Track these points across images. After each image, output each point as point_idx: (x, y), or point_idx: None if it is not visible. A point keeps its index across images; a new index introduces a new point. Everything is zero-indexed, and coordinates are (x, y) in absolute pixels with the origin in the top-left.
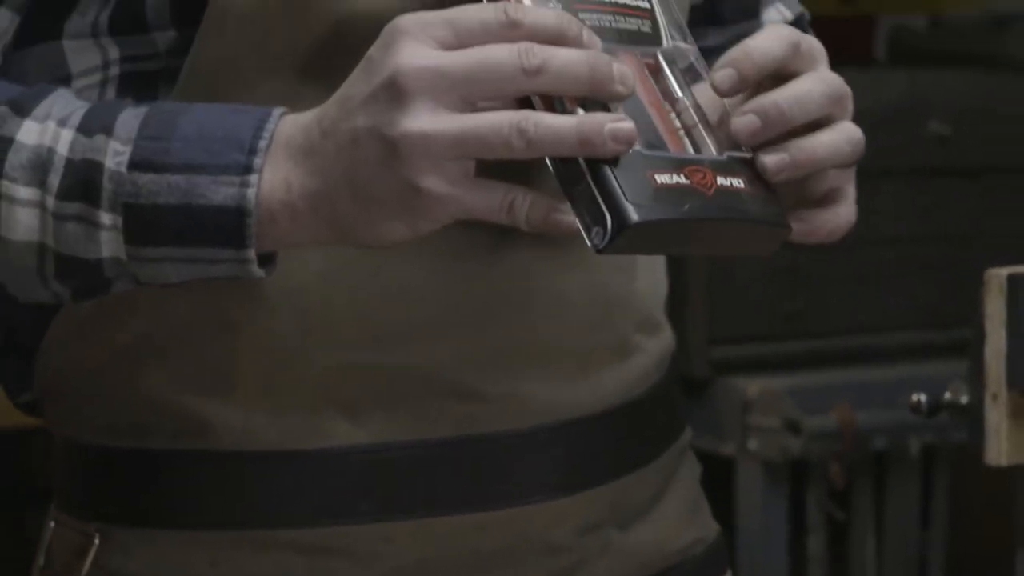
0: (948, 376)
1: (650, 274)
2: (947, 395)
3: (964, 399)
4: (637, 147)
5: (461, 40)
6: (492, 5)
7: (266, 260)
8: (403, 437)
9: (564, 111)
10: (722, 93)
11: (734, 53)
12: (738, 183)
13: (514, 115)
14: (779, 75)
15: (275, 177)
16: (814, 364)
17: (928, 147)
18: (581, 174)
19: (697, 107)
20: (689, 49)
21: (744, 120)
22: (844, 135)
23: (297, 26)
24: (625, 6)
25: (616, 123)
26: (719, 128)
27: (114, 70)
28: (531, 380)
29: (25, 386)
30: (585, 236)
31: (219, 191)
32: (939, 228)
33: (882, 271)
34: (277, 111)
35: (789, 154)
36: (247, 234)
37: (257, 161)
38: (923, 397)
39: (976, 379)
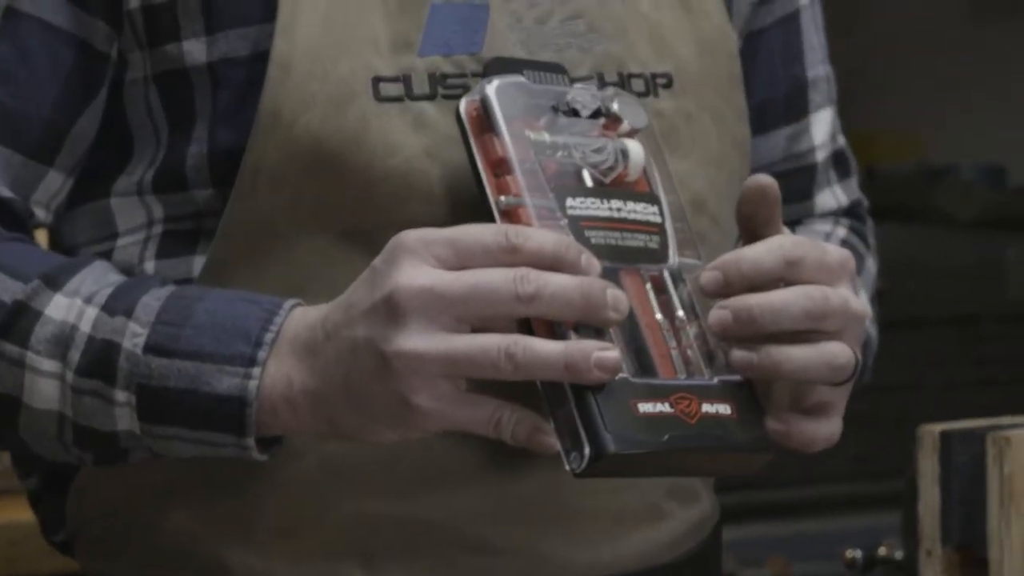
0: (884, 527)
1: None
2: (881, 551)
3: (898, 555)
4: (624, 374)
5: (462, 260)
6: (494, 228)
7: (273, 441)
8: None
9: (560, 332)
10: (707, 293)
11: (727, 257)
12: (724, 409)
13: (504, 339)
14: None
15: (278, 371)
16: (749, 516)
17: None
18: (566, 398)
19: (698, 323)
20: (697, 264)
21: (718, 314)
22: (824, 356)
23: (326, 185)
24: (635, 222)
25: (602, 352)
26: (719, 346)
27: (157, 228)
28: (552, 538)
29: (60, 525)
30: (564, 458)
31: (223, 380)
32: (874, 380)
33: None
34: (288, 304)
35: (757, 357)
36: (247, 423)
37: (261, 354)
38: (858, 553)
39: (910, 535)
